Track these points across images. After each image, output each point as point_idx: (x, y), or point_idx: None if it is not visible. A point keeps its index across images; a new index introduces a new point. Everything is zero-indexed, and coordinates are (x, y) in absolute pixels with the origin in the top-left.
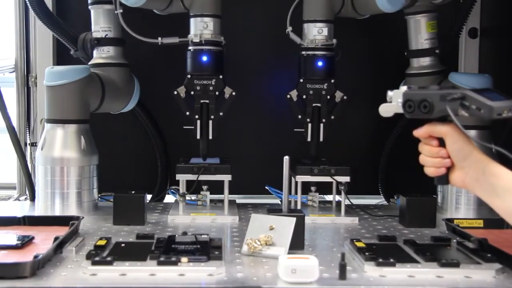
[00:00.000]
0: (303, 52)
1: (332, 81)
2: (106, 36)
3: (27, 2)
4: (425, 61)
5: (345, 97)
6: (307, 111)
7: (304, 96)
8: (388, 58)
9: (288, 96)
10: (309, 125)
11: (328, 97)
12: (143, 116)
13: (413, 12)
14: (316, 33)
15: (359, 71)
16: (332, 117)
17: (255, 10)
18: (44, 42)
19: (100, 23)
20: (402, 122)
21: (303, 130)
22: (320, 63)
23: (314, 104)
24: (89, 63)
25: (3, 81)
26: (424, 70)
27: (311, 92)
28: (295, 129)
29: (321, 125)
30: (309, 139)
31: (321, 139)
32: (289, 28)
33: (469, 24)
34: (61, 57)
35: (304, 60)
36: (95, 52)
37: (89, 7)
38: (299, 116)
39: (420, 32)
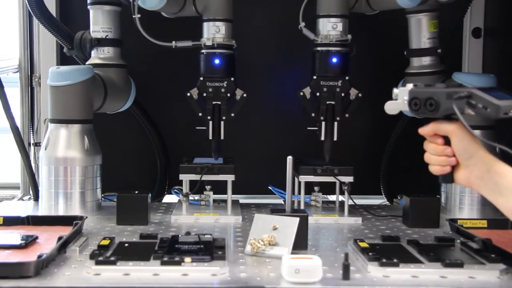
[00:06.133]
0: (317, 48)
1: (347, 78)
2: (107, 37)
3: None
4: (426, 60)
5: (360, 95)
6: (321, 109)
7: (318, 94)
8: (390, 57)
9: (301, 93)
10: (323, 123)
11: (343, 94)
12: (140, 116)
13: (415, 10)
14: (331, 28)
15: (361, 70)
16: (347, 115)
17: (258, 11)
18: (47, 42)
19: (100, 24)
20: (404, 121)
21: (316, 128)
22: (334, 60)
23: (328, 102)
24: (87, 63)
25: (7, 81)
26: (425, 69)
27: (325, 89)
28: (308, 128)
29: (335, 123)
30: (322, 138)
31: (335, 138)
32: (302, 24)
33: (473, 24)
34: (64, 57)
35: (317, 57)
36: (93, 52)
37: (89, 6)
38: (312, 114)
39: (422, 31)
